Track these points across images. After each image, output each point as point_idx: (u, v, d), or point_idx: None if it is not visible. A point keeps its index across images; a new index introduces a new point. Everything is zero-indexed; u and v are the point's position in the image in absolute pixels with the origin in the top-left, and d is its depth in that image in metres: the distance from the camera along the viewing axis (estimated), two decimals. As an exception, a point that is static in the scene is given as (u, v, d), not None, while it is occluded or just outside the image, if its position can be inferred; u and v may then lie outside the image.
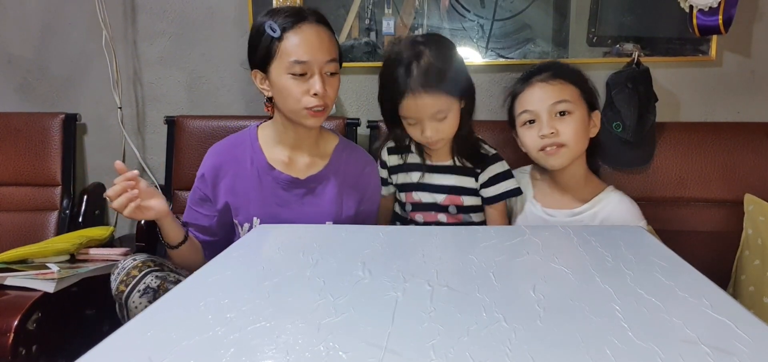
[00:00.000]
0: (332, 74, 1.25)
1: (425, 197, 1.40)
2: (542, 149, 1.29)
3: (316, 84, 1.20)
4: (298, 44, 1.20)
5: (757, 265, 1.45)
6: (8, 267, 1.43)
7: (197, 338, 0.60)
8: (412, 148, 1.42)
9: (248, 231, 1.29)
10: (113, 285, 1.16)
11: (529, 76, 1.35)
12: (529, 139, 1.31)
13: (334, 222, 1.34)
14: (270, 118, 1.36)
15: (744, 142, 1.58)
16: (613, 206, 1.31)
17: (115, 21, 1.83)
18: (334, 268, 0.83)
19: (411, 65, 1.26)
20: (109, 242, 1.72)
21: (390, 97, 1.30)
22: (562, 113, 1.28)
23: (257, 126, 1.38)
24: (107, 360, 0.57)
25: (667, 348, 0.57)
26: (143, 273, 1.15)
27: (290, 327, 0.63)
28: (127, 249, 1.65)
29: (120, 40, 1.85)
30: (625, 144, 1.53)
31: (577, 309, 0.68)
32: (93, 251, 1.61)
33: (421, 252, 0.91)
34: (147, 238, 1.74)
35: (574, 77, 1.32)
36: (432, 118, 1.28)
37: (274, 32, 1.21)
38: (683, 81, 1.72)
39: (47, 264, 1.46)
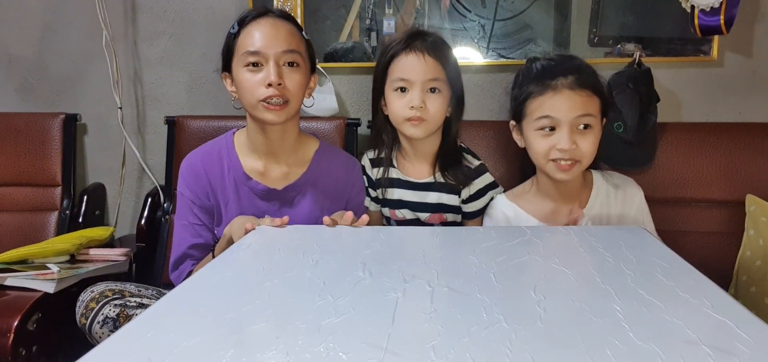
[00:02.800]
0: (292, 66, 1.20)
1: (409, 215, 1.38)
2: (554, 160, 1.21)
3: (269, 74, 1.16)
4: (253, 35, 1.18)
5: (759, 266, 1.45)
6: (8, 268, 1.44)
7: (197, 339, 0.60)
8: (394, 161, 1.38)
9: None
10: (77, 317, 1.19)
11: (550, 73, 1.22)
12: (544, 146, 1.21)
13: None
14: None
15: (745, 142, 1.58)
16: (615, 193, 1.30)
17: (115, 21, 1.83)
18: (335, 269, 0.83)
19: (417, 32, 1.29)
20: (110, 242, 1.72)
21: (388, 58, 1.28)
22: (585, 127, 1.20)
23: (233, 132, 1.33)
24: (107, 360, 0.57)
25: (668, 348, 0.57)
26: (100, 304, 1.17)
27: (290, 327, 0.63)
28: (127, 249, 1.65)
29: (120, 40, 1.85)
30: (626, 144, 1.53)
31: (578, 309, 0.68)
32: (93, 251, 1.61)
33: (422, 252, 0.91)
34: (147, 239, 1.74)
35: (598, 87, 1.24)
36: (425, 84, 1.25)
37: (233, 29, 1.22)
38: (684, 81, 1.72)
39: (47, 265, 1.47)
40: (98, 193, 1.89)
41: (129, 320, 1.14)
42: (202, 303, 0.70)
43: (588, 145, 1.20)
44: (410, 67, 1.25)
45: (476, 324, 0.64)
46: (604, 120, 1.28)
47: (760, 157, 1.57)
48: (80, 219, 1.78)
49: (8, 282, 1.38)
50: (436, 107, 1.27)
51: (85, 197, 1.82)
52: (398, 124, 1.30)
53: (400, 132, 1.32)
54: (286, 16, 1.25)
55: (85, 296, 1.20)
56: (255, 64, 1.18)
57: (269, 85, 1.16)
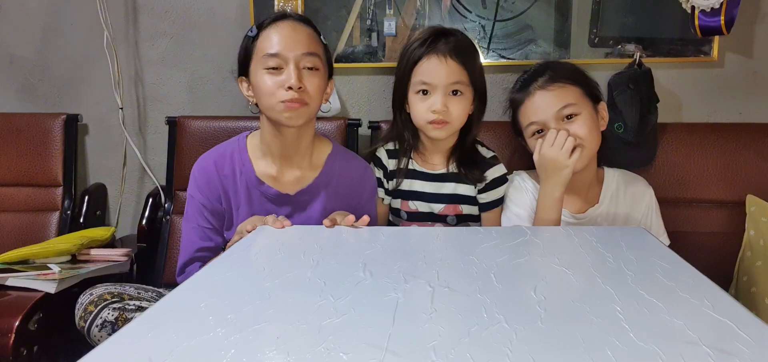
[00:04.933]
0: (311, 69, 1.19)
1: (422, 206, 1.38)
2: None
3: (290, 76, 1.15)
4: (272, 38, 1.18)
5: (759, 266, 1.45)
6: (9, 268, 1.44)
7: (198, 339, 0.60)
8: (410, 153, 1.38)
9: None
10: (76, 320, 1.19)
11: (525, 83, 1.31)
12: None
13: None
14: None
15: (746, 142, 1.58)
16: (625, 190, 1.35)
17: (116, 22, 1.83)
18: (335, 269, 0.83)
19: (439, 33, 1.29)
20: (111, 243, 1.72)
21: (411, 62, 1.28)
22: (570, 116, 1.24)
23: (246, 135, 1.32)
24: (108, 361, 0.57)
25: (669, 349, 0.57)
26: (99, 307, 1.17)
27: (291, 328, 0.63)
28: (129, 250, 1.66)
29: (121, 41, 1.85)
30: (626, 145, 1.53)
31: (579, 310, 0.68)
32: (94, 252, 1.62)
33: (422, 253, 0.91)
34: (148, 239, 1.74)
35: (573, 76, 1.28)
36: (447, 87, 1.26)
37: (252, 32, 1.21)
38: (685, 82, 1.72)
39: (48, 265, 1.47)
40: (99, 194, 1.90)
41: (127, 323, 1.14)
42: (203, 303, 0.70)
43: (579, 129, 1.23)
44: (432, 70, 1.26)
45: (477, 324, 0.64)
46: (603, 103, 1.31)
47: (761, 158, 1.57)
48: (81, 220, 1.78)
49: (9, 283, 1.39)
50: (459, 109, 1.28)
51: (86, 197, 1.82)
52: (421, 126, 1.30)
53: (423, 133, 1.33)
54: (305, 20, 1.24)
55: (84, 299, 1.19)
56: (275, 67, 1.17)
57: (289, 88, 1.15)
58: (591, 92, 1.29)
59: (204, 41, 1.84)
